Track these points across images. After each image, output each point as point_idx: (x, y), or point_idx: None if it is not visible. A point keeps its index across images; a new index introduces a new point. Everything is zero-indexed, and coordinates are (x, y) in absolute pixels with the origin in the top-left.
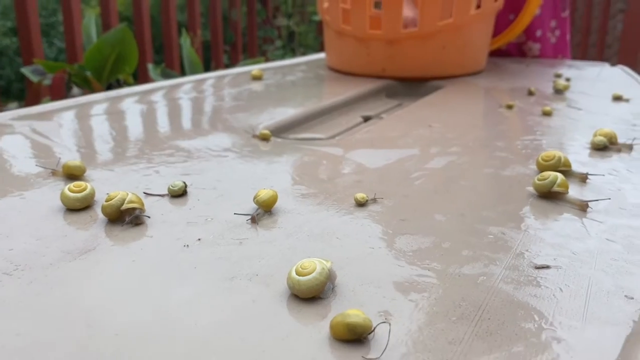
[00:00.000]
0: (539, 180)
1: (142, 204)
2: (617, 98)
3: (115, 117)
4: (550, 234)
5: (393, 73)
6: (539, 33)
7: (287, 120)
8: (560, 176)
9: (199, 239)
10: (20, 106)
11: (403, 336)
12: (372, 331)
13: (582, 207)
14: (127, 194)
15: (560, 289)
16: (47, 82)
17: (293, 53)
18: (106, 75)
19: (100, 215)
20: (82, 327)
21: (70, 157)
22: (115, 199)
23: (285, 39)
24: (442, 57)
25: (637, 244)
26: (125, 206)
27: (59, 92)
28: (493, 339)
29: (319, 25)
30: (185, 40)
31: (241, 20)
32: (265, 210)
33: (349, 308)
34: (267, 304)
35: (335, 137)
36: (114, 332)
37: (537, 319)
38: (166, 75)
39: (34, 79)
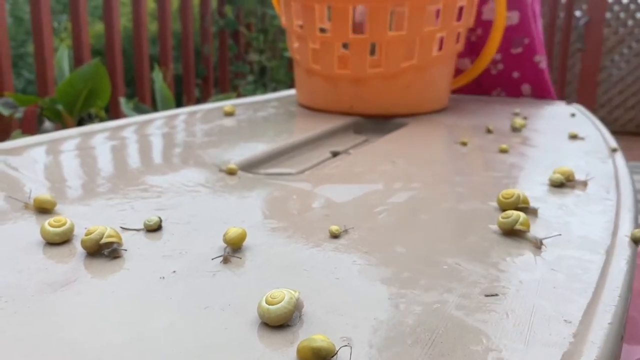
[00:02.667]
0: (502, 218)
1: (120, 238)
2: (573, 137)
3: (88, 152)
4: (502, 265)
5: (360, 110)
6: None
7: (258, 155)
8: (522, 215)
9: (174, 271)
10: None
11: (363, 359)
12: (335, 354)
13: (537, 245)
14: (106, 229)
15: (507, 314)
16: (18, 115)
17: (264, 88)
18: (78, 109)
19: (79, 249)
20: (66, 354)
21: (44, 191)
22: (95, 233)
23: (256, 74)
24: (406, 96)
25: (579, 273)
26: (103, 240)
27: (31, 125)
28: None
29: (290, 61)
30: (157, 75)
31: (212, 55)
32: (234, 248)
33: (314, 334)
34: (239, 331)
35: (305, 171)
36: (96, 358)
37: (484, 342)
38: (138, 110)
39: (5, 112)
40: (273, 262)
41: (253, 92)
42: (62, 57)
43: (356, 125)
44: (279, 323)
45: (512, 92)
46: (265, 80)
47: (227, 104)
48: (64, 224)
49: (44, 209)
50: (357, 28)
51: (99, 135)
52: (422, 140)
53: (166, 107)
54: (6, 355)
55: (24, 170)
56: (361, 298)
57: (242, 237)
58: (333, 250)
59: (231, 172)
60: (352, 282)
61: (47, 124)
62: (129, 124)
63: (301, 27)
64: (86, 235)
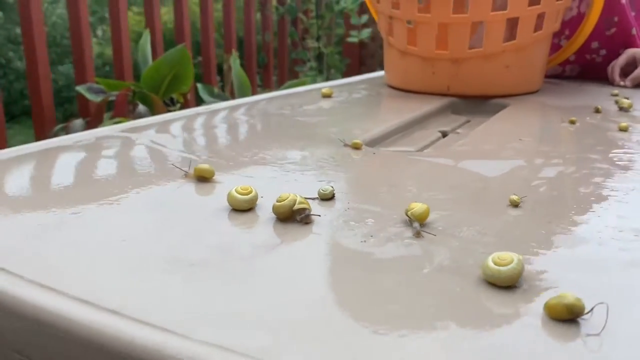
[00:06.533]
0: None
1: (309, 205)
2: None
3: (215, 129)
4: None
5: (457, 91)
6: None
7: (375, 134)
8: None
9: (371, 236)
10: (85, 124)
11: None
12: (589, 311)
13: None
14: (296, 196)
15: None
16: (112, 99)
17: (321, 74)
18: (161, 93)
19: (267, 215)
20: (289, 316)
21: (191, 163)
22: (287, 199)
23: (313, 60)
24: (505, 76)
25: None
26: (296, 206)
27: (122, 109)
28: None
29: (345, 47)
30: (234, 61)
31: (272, 42)
32: (420, 222)
33: (540, 295)
34: (469, 291)
35: (424, 149)
36: (317, 297)
37: None
38: (214, 96)
39: (91, 97)
40: (462, 230)
41: (313, 79)
42: (145, 43)
43: (453, 106)
44: (508, 284)
45: None
46: (321, 67)
47: (317, 87)
48: (250, 192)
49: (203, 178)
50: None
51: (221, 114)
52: (531, 119)
53: (244, 94)
54: (237, 320)
55: (169, 145)
56: (569, 261)
57: (427, 212)
58: (516, 218)
59: (356, 147)
60: (547, 250)
61: (141, 107)
62: (239, 105)
63: (397, 7)
64: (278, 202)
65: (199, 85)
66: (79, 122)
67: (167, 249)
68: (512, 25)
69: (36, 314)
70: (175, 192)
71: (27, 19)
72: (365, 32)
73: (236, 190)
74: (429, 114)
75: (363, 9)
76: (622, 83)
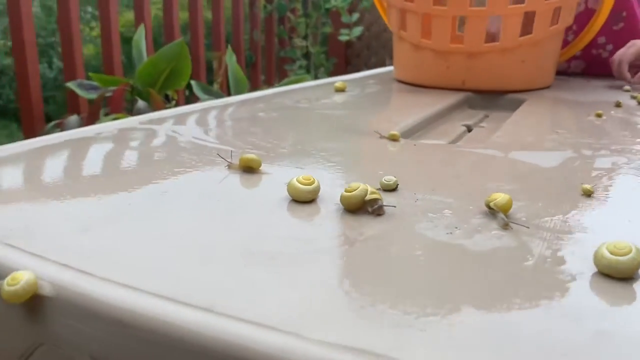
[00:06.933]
0: None
1: (380, 196)
2: None
3: (243, 121)
4: None
5: (472, 85)
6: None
7: (403, 127)
8: None
9: (456, 228)
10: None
11: None
12: None
13: None
14: (367, 186)
15: None
16: (108, 94)
17: (309, 73)
18: (157, 89)
19: (330, 206)
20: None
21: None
22: (358, 189)
23: (301, 59)
24: (521, 71)
25: None
26: (368, 197)
27: (119, 105)
28: None
29: (331, 46)
30: (230, 58)
31: (260, 41)
32: (504, 213)
33: None
34: (583, 283)
35: (456, 142)
36: (427, 289)
37: None
38: (208, 93)
39: (83, 93)
40: (548, 221)
41: (304, 78)
42: (140, 39)
43: (469, 101)
44: (627, 275)
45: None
46: (308, 66)
47: (326, 81)
48: (313, 182)
49: (249, 168)
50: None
51: (237, 107)
52: (556, 113)
53: (240, 91)
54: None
55: (197, 136)
56: None
57: (511, 203)
58: (595, 206)
59: (394, 139)
60: None
61: (141, 102)
62: (253, 99)
63: (411, 0)
64: (348, 192)
65: (193, 83)
66: (74, 118)
67: (239, 242)
68: (527, 19)
69: (119, 315)
70: (224, 183)
71: (15, 15)
72: (357, 30)
73: (298, 181)
74: (447, 108)
75: (353, 7)
76: (631, 80)
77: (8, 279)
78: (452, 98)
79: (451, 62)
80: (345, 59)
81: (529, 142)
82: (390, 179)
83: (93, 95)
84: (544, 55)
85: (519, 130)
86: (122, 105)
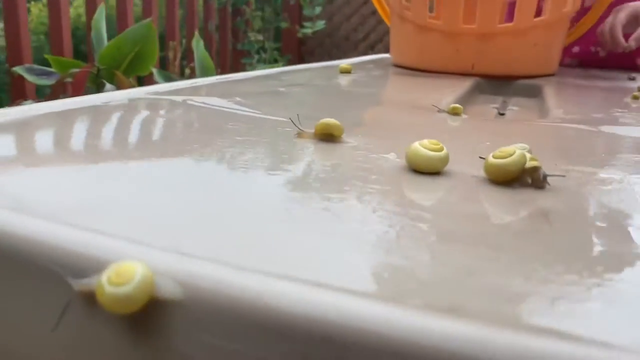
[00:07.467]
0: None
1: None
2: None
3: (272, 94)
4: None
5: (482, 70)
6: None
7: (450, 101)
8: None
9: None
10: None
11: None
12: None
13: None
14: (524, 152)
15: None
16: (69, 79)
17: (265, 66)
18: (121, 73)
19: (465, 178)
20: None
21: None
22: (515, 155)
23: (256, 52)
24: (533, 55)
25: None
26: (529, 164)
27: (80, 89)
28: None
29: (285, 42)
30: (197, 43)
31: (214, 33)
32: None
33: None
34: None
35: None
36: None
37: None
38: (169, 79)
39: (33, 79)
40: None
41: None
42: (101, 19)
43: (479, 86)
44: None
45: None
46: (265, 60)
47: (325, 65)
48: (442, 148)
49: (329, 136)
50: None
51: (250, 82)
52: (589, 96)
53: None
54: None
55: (229, 106)
56: None
57: None
58: None
59: (455, 113)
60: None
61: (109, 86)
62: (261, 76)
63: None
64: (498, 158)
65: (154, 70)
66: (29, 103)
67: (386, 222)
68: (545, 1)
69: (307, 328)
70: (306, 153)
71: None
72: (320, 24)
73: (423, 145)
74: (465, 92)
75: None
76: (626, 45)
77: (111, 275)
78: (462, 82)
79: (461, 44)
80: (299, 56)
81: (599, 119)
82: (524, 146)
83: (47, 82)
84: (554, 40)
85: (571, 109)
86: (82, 88)
